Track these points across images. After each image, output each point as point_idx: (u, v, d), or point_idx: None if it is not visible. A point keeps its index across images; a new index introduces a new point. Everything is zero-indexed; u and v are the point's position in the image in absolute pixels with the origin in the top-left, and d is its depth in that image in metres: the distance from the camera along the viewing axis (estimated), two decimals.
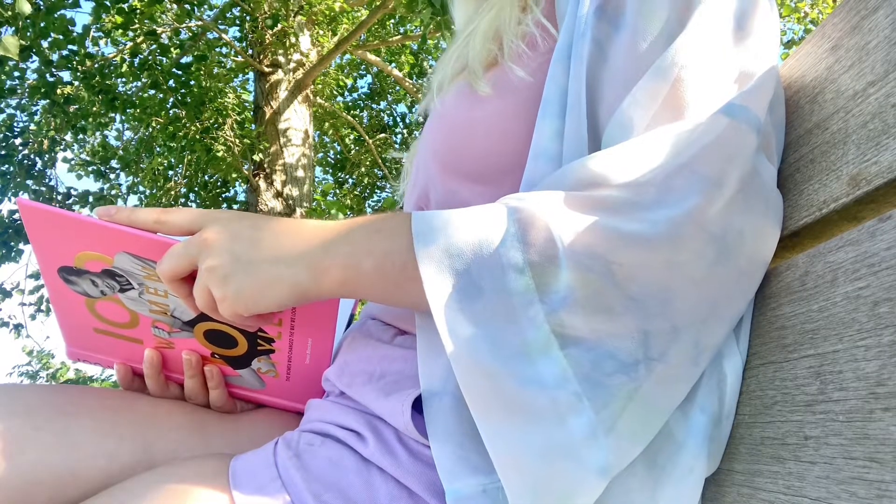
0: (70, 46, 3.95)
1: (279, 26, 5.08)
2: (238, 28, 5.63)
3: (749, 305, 0.47)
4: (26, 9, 3.32)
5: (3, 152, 4.89)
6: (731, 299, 0.43)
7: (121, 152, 5.82)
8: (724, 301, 0.43)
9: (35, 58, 3.80)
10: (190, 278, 0.51)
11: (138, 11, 4.24)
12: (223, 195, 6.49)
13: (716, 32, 0.45)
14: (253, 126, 5.30)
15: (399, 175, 0.80)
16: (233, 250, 0.47)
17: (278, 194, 4.99)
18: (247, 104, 6.18)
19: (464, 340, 0.41)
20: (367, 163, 7.28)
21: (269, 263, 0.46)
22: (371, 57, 6.30)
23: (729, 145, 0.42)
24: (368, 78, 7.78)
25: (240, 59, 5.52)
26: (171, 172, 6.30)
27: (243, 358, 0.61)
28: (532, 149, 0.51)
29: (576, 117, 0.48)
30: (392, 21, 6.73)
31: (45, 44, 3.78)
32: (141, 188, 6.39)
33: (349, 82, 7.61)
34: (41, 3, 3.63)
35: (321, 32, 5.90)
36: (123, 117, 5.51)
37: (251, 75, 5.85)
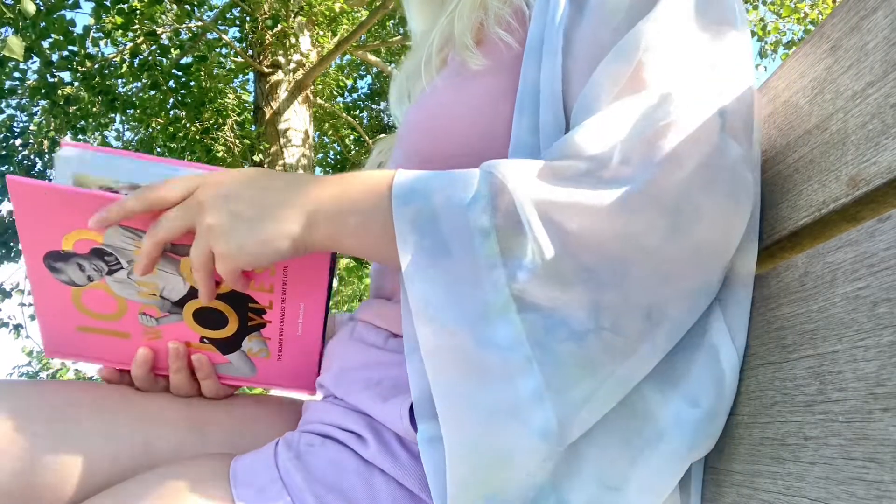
0: (70, 47, 3.94)
1: (279, 27, 5.08)
2: (238, 28, 5.63)
3: (744, 299, 0.47)
4: (31, 9, 3.31)
5: (3, 152, 4.89)
6: (686, 273, 0.44)
7: None
8: (677, 274, 0.43)
9: (35, 58, 3.80)
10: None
11: (138, 12, 4.24)
12: None
13: (679, 19, 0.46)
14: (253, 127, 5.29)
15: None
16: (231, 210, 0.48)
17: None
18: (247, 105, 6.18)
19: (428, 299, 0.42)
20: (365, 164, 7.26)
21: (266, 218, 0.48)
22: (371, 57, 6.30)
23: (690, 123, 0.43)
24: (368, 78, 7.78)
25: (240, 59, 5.52)
26: None
27: (234, 338, 0.61)
28: (511, 143, 0.52)
29: (551, 109, 0.49)
30: (392, 21, 6.73)
31: (45, 44, 3.78)
32: None
33: (349, 83, 7.61)
34: (41, 3, 3.63)
35: (321, 33, 5.89)
36: (123, 118, 5.51)
37: (251, 76, 5.84)
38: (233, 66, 5.86)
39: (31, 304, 6.23)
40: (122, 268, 0.55)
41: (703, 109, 0.44)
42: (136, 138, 6.03)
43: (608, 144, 0.43)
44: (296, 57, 5.30)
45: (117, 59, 4.71)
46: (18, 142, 5.21)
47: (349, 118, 6.89)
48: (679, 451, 0.44)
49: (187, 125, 4.85)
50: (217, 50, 5.57)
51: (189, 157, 5.24)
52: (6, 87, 4.04)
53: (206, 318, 0.59)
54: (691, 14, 0.46)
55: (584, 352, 0.42)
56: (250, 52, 5.31)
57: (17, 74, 4.12)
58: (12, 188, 0.50)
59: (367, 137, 6.83)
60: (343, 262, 8.21)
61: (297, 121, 5.20)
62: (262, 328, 0.60)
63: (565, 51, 0.50)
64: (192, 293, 0.57)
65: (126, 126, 6.08)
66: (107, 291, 0.57)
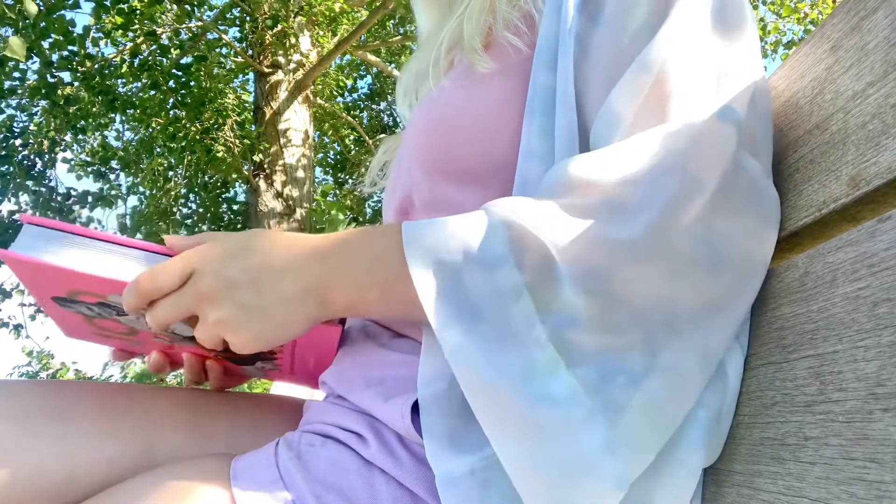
0: (70, 47, 3.95)
1: (279, 27, 5.08)
2: (238, 29, 5.64)
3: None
4: (33, 10, 3.32)
5: (3, 153, 4.89)
6: (734, 300, 0.43)
7: (121, 153, 5.82)
8: (727, 303, 0.43)
9: (35, 58, 3.80)
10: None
11: (138, 12, 4.24)
12: (223, 196, 6.48)
13: (697, 25, 0.45)
14: (253, 127, 5.30)
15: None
16: (239, 301, 0.47)
17: (278, 195, 4.99)
18: (247, 105, 6.18)
19: (473, 367, 0.41)
20: (367, 163, 7.26)
21: (278, 306, 0.47)
22: (371, 57, 6.30)
23: (708, 144, 0.43)
24: (368, 78, 7.80)
25: (240, 59, 5.52)
26: (171, 173, 6.30)
27: (247, 360, 0.62)
28: (521, 148, 0.51)
29: (566, 114, 0.49)
30: (392, 21, 6.73)
31: (45, 44, 3.78)
32: (141, 189, 6.39)
33: (349, 83, 7.61)
34: (41, 3, 3.64)
35: (321, 33, 5.89)
36: (123, 118, 5.51)
37: (251, 76, 5.85)
38: (233, 66, 5.87)
39: (31, 304, 6.23)
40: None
41: (720, 126, 0.43)
42: (135, 138, 6.03)
43: (632, 175, 0.42)
44: (296, 57, 5.31)
45: (117, 59, 4.71)
46: (18, 142, 5.21)
47: (349, 118, 6.89)
48: (696, 450, 0.44)
49: (187, 125, 4.84)
50: (217, 50, 5.57)
51: (189, 157, 5.25)
52: (6, 87, 4.05)
53: None
54: (708, 19, 0.46)
55: (646, 394, 0.41)
56: (250, 52, 5.31)
57: (17, 74, 4.12)
58: (4, 260, 0.49)
59: (367, 137, 6.83)
60: None
61: (297, 121, 5.21)
62: (274, 360, 0.61)
63: (580, 56, 0.49)
64: None
65: (126, 126, 6.09)
66: (118, 322, 0.57)
